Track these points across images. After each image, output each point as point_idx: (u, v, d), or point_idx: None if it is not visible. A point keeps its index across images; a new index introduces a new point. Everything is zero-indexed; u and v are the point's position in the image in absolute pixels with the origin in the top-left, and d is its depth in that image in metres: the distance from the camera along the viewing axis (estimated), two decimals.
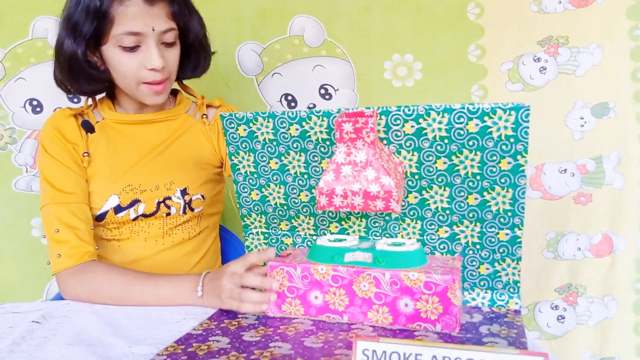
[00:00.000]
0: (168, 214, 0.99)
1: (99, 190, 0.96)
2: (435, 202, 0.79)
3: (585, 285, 1.41)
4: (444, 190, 0.78)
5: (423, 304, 0.72)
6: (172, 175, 0.99)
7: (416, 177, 0.78)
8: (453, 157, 0.75)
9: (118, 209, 0.96)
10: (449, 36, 1.37)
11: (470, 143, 0.74)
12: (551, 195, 1.40)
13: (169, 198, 0.98)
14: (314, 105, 1.42)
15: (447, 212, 0.79)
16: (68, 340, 0.73)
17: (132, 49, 0.90)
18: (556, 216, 1.40)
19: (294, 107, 1.42)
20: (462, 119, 0.73)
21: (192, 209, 1.00)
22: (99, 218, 0.97)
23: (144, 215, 0.98)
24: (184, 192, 0.99)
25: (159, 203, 0.98)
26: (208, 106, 1.07)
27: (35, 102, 1.38)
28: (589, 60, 1.35)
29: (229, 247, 1.19)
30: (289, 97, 1.42)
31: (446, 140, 0.75)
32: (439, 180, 0.77)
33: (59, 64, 0.94)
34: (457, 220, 0.79)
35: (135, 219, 0.98)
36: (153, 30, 0.89)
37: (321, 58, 1.40)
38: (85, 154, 0.97)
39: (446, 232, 0.81)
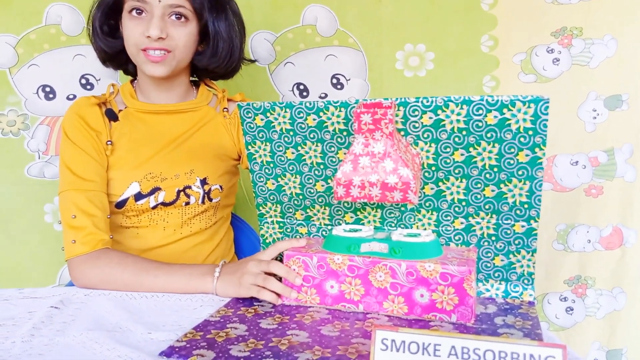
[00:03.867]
0: (187, 203, 1.00)
1: (120, 178, 0.97)
2: (451, 194, 0.80)
3: (595, 277, 1.41)
4: (461, 182, 0.78)
5: (439, 294, 0.73)
6: (192, 165, 1.00)
7: (433, 168, 0.78)
8: (471, 149, 0.76)
9: (138, 197, 0.97)
10: (461, 26, 1.37)
11: (489, 135, 0.74)
12: (562, 187, 1.41)
13: (189, 187, 0.99)
14: (326, 95, 1.42)
15: (463, 203, 0.80)
16: (88, 326, 0.74)
17: (138, 13, 0.93)
18: (567, 208, 1.40)
19: (306, 97, 1.42)
20: (480, 111, 0.73)
21: (210, 199, 1.01)
22: (119, 205, 0.98)
23: (164, 204, 0.99)
24: (203, 182, 1.00)
25: (178, 192, 0.99)
26: (229, 100, 1.09)
27: (48, 89, 1.38)
28: (603, 52, 1.35)
29: (242, 235, 1.20)
30: (301, 87, 1.42)
31: (464, 132, 0.75)
32: (456, 172, 0.78)
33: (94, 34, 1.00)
34: (473, 212, 0.80)
35: (155, 207, 0.99)
36: (159, 1, 0.91)
37: (333, 48, 1.40)
38: (108, 143, 0.98)
39: (462, 223, 0.81)
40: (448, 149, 0.76)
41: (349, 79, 1.40)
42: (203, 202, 1.01)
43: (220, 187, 1.02)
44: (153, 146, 1.00)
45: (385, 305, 0.76)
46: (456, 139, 0.75)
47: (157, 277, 0.85)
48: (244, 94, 1.13)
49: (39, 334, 0.72)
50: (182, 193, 0.99)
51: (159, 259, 0.95)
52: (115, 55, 1.02)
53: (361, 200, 0.74)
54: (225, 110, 1.07)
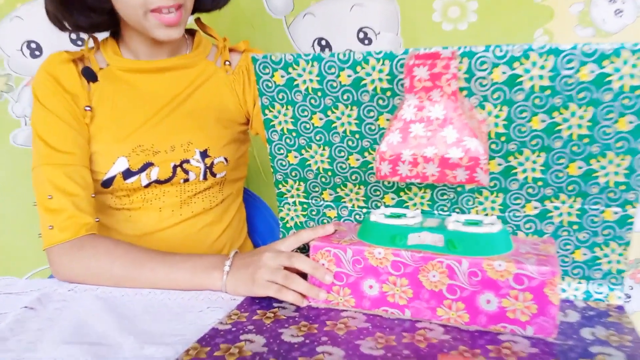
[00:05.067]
0: (186, 180, 0.83)
1: (104, 152, 0.80)
2: (524, 171, 0.62)
3: None
4: (538, 156, 0.61)
5: (511, 301, 0.57)
6: (190, 134, 0.82)
7: (502, 138, 0.61)
8: (555, 114, 0.58)
9: (127, 174, 0.81)
10: None
11: (581, 96, 0.57)
12: None
13: (187, 161, 0.82)
14: None
15: (539, 183, 0.62)
16: (65, 337, 0.59)
17: None
18: None
19: None
20: (572, 64, 0.55)
21: (213, 174, 0.84)
22: (106, 184, 0.82)
23: (158, 182, 0.82)
24: (204, 155, 0.82)
25: (175, 167, 0.82)
26: (231, 51, 0.90)
27: (33, 45, 1.21)
28: None
29: (257, 214, 1.04)
30: (323, 42, 1.23)
31: (547, 92, 0.57)
32: (533, 143, 0.60)
33: None
34: (551, 194, 0.63)
35: (147, 186, 0.82)
36: None
37: None
38: (87, 108, 0.80)
39: (535, 208, 0.64)
40: (524, 114, 0.59)
41: (379, 33, 1.21)
42: (205, 179, 0.84)
43: (225, 159, 0.85)
44: (141, 112, 0.83)
45: (440, 312, 0.60)
46: (536, 101, 0.58)
47: (153, 271, 0.69)
48: (252, 45, 0.94)
49: (4, 348, 0.57)
50: (179, 169, 0.82)
51: (156, 247, 0.80)
52: (95, 23, 0.82)
53: (412, 180, 0.57)
54: (227, 63, 0.88)
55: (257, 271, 0.65)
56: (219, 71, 0.88)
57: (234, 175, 0.90)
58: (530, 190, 0.63)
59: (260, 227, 1.04)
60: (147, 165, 0.81)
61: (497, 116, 0.60)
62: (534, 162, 0.61)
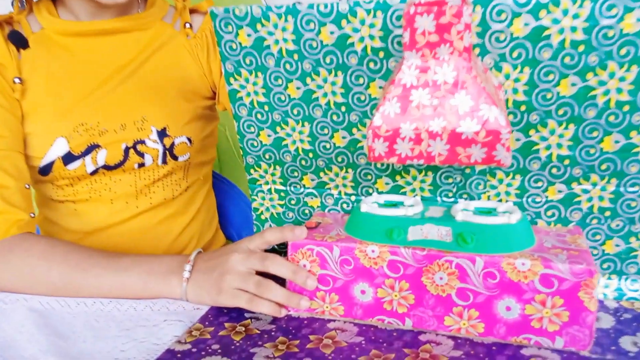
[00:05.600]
0: (141, 165, 0.70)
1: (40, 132, 0.67)
2: (548, 148, 0.51)
3: None
4: (566, 128, 0.50)
5: (537, 307, 0.46)
6: (144, 110, 0.69)
7: (522, 108, 0.50)
8: (589, 76, 0.47)
9: (68, 158, 0.67)
10: None
11: (623, 52, 0.45)
12: None
13: (142, 142, 0.69)
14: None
15: (566, 162, 0.51)
16: None
17: None
18: None
19: None
20: (614, 10, 0.44)
21: (174, 158, 0.71)
22: (43, 171, 0.68)
23: (107, 168, 0.69)
24: (162, 134, 0.69)
25: (127, 149, 0.69)
26: (192, 12, 0.76)
27: None
28: None
29: (230, 203, 0.92)
30: None
31: (581, 47, 0.46)
32: (560, 113, 0.49)
33: None
34: (579, 175, 0.52)
35: (94, 173, 0.69)
36: None
37: None
38: (16, 80, 0.67)
39: (560, 192, 0.53)
40: (551, 76, 0.48)
41: None
42: (164, 162, 0.71)
43: (189, 139, 0.72)
44: (83, 84, 0.69)
45: (448, 322, 0.49)
46: (566, 60, 0.47)
47: (98, 277, 0.57)
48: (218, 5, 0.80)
49: None
50: (132, 151, 0.69)
51: (109, 245, 0.68)
52: None
53: (414, 162, 0.46)
54: (187, 26, 0.75)
55: (223, 277, 0.53)
56: (178, 35, 0.74)
57: (200, 158, 0.77)
58: (554, 171, 0.52)
59: (234, 218, 0.92)
60: (92, 148, 0.68)
61: (516, 80, 0.48)
62: (561, 136, 0.50)
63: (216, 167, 1.26)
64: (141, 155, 0.69)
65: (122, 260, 0.58)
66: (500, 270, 0.47)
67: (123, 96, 0.69)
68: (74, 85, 0.68)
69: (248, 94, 0.57)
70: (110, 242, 0.72)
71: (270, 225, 0.66)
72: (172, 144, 0.70)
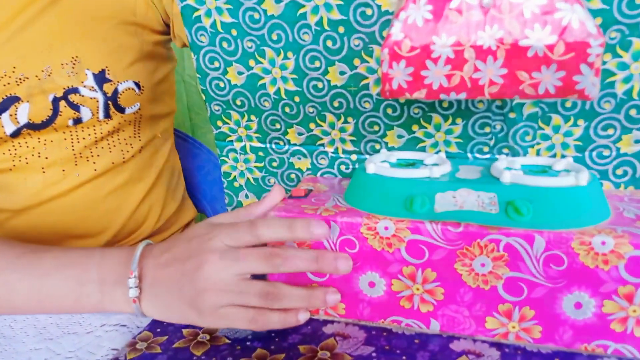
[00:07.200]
0: (77, 121, 0.53)
1: None
2: (627, 80, 0.37)
3: None
4: None
5: (620, 303, 0.32)
6: (74, 48, 0.52)
7: (598, 20, 0.35)
8: None
9: None
10: None
11: None
12: None
13: (75, 91, 0.52)
14: None
15: None
16: None
17: None
18: None
19: None
20: None
21: (120, 109, 0.55)
22: None
23: (32, 126, 0.52)
24: (101, 78, 0.53)
25: (56, 101, 0.52)
26: None
27: None
28: None
29: (200, 166, 0.76)
30: None
31: None
32: None
33: None
34: None
35: (17, 134, 0.52)
36: None
37: None
38: None
39: (637, 142, 0.39)
40: None
41: None
42: (108, 116, 0.54)
43: (137, 84, 0.55)
44: None
45: (492, 325, 0.35)
46: None
47: (9, 286, 0.41)
48: None
49: None
50: (62, 103, 0.52)
51: (45, 227, 0.53)
52: None
53: (450, 96, 0.31)
54: None
55: (202, 296, 0.37)
56: None
57: (155, 110, 0.60)
58: (632, 113, 0.38)
59: (205, 185, 0.77)
60: (10, 102, 0.51)
61: None
62: None
63: (189, 130, 1.10)
64: (76, 108, 0.53)
65: (45, 259, 0.42)
66: (570, 252, 0.33)
67: (44, 31, 0.52)
68: None
69: (208, 13, 0.41)
70: (47, 223, 0.56)
71: (247, 196, 0.51)
72: (116, 92, 0.54)
